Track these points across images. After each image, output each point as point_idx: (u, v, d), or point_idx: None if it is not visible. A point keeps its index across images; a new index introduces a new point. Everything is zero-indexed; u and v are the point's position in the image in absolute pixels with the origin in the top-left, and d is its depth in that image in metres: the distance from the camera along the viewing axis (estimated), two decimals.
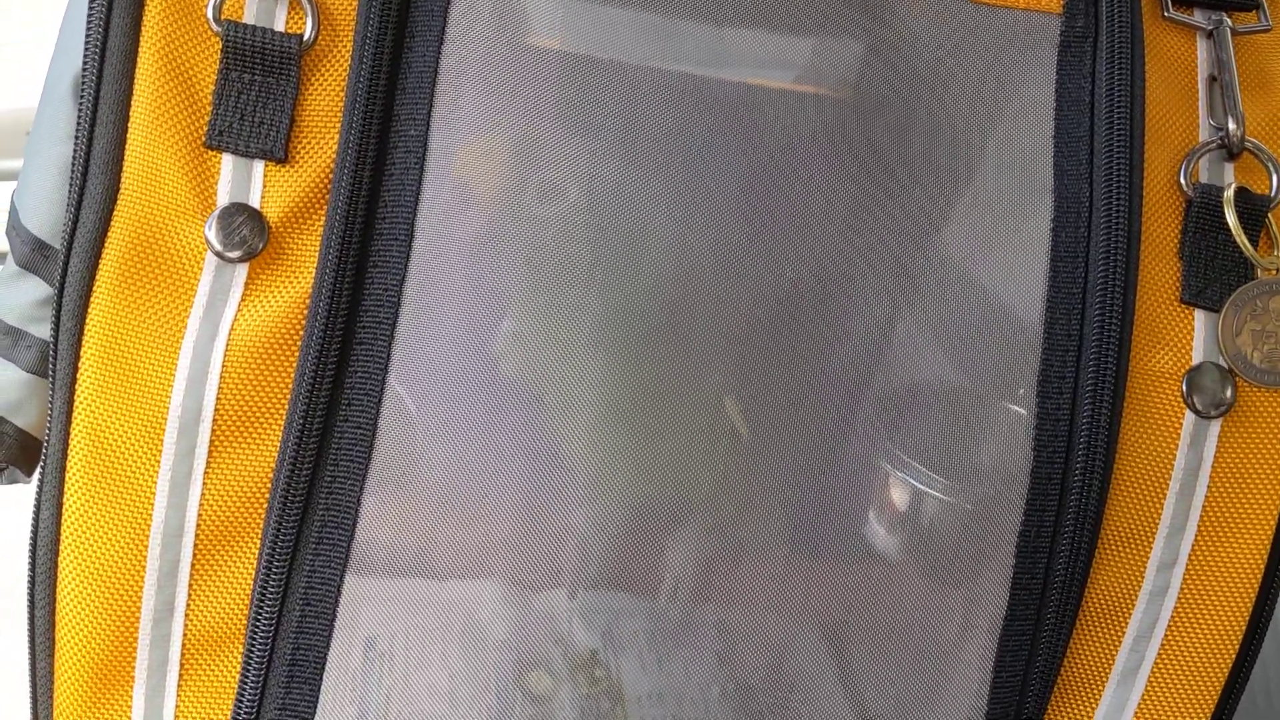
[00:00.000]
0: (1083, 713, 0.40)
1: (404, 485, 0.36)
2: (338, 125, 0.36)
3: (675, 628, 0.38)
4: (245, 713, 0.35)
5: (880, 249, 0.37)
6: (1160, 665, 0.40)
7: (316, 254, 0.35)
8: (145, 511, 0.35)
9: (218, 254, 0.35)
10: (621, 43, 0.37)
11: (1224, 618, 0.39)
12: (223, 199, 0.35)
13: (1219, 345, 0.39)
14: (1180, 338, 0.39)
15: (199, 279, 0.35)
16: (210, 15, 0.35)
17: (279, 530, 0.35)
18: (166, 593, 0.35)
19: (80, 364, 0.35)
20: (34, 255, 0.38)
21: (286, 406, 0.35)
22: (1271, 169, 0.39)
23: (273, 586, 0.35)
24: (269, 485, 0.35)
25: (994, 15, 0.39)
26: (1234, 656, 0.40)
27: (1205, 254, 0.39)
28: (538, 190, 0.36)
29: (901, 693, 0.38)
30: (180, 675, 0.36)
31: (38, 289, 0.38)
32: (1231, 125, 0.39)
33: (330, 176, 0.36)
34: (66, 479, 0.35)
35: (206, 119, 0.35)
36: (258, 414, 0.35)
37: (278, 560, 0.35)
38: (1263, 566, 0.39)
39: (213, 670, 0.36)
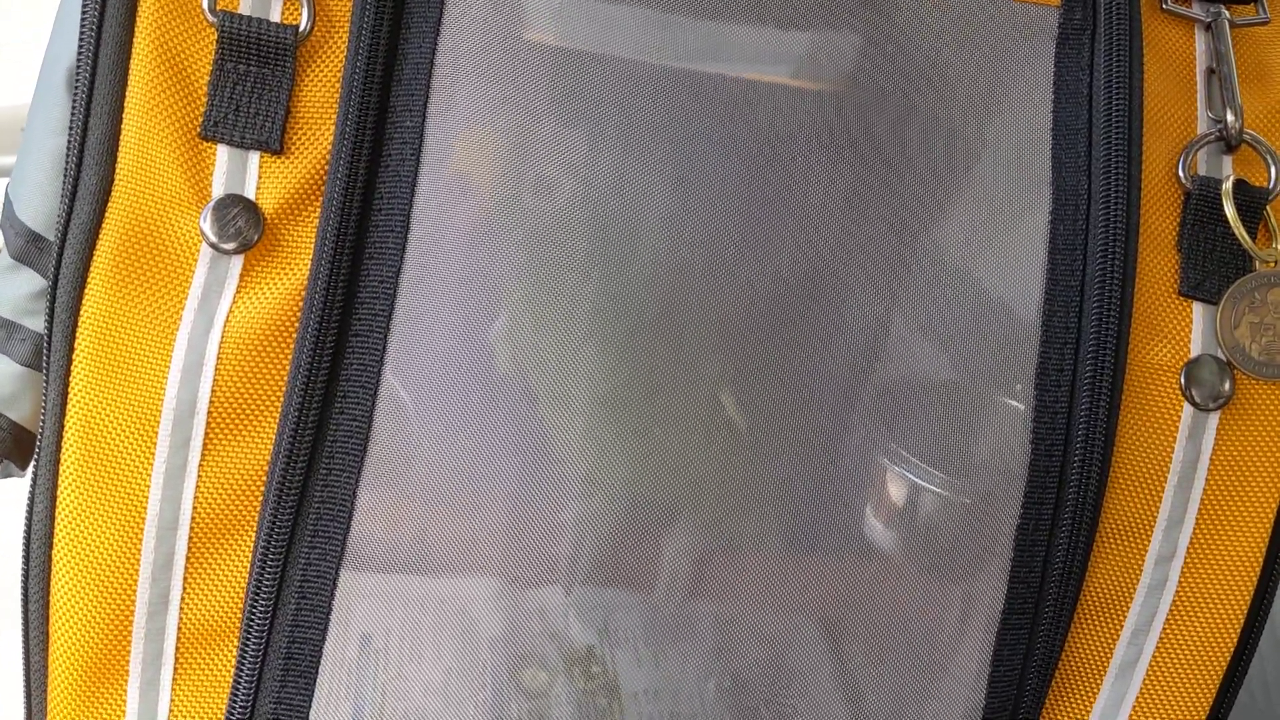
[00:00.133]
0: (1081, 706, 0.40)
1: (399, 479, 0.36)
2: (333, 117, 0.36)
3: (671, 623, 0.38)
4: (240, 707, 0.35)
5: (877, 242, 0.37)
6: (1158, 659, 0.40)
7: (312, 246, 0.35)
8: (140, 504, 0.35)
9: (213, 246, 0.35)
10: (617, 37, 0.37)
11: (1222, 611, 0.39)
12: (218, 190, 0.35)
13: (1217, 338, 0.39)
14: (1178, 330, 0.39)
15: (194, 271, 0.35)
16: (205, 6, 0.35)
17: (274, 523, 0.35)
18: (161, 586, 0.35)
19: (74, 357, 0.35)
20: (28, 247, 0.38)
21: (282, 399, 0.35)
22: (1270, 161, 0.39)
23: (268, 580, 0.35)
24: (264, 478, 0.35)
25: (992, 7, 0.39)
26: (1232, 650, 0.40)
27: (1203, 246, 0.39)
28: (533, 183, 0.36)
29: (898, 687, 0.38)
30: (175, 669, 0.36)
31: (32, 281, 0.38)
32: (1230, 117, 0.39)
33: (326, 168, 0.36)
34: (60, 472, 0.35)
35: (201, 110, 0.35)
36: (253, 406, 0.35)
37: (273, 554, 0.35)
38: (1261, 559, 0.39)
39: (208, 664, 0.36)
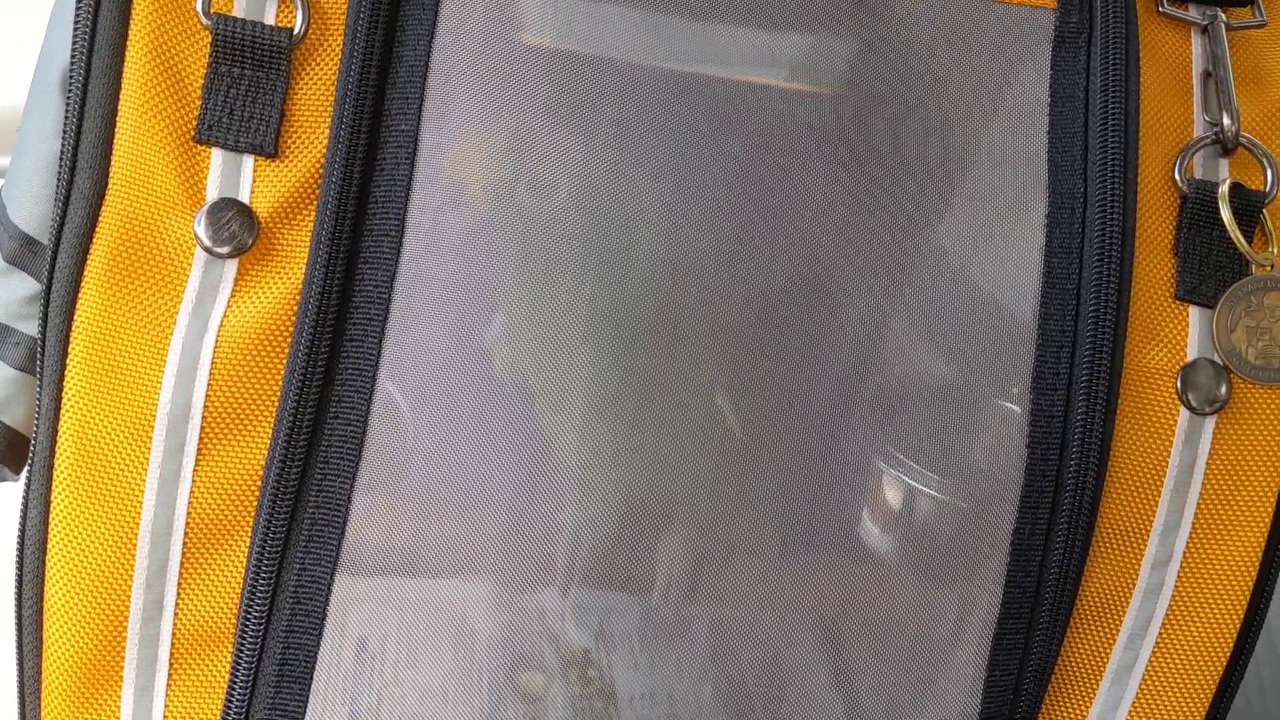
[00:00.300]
0: (1077, 711, 0.40)
1: (394, 483, 0.36)
2: (328, 120, 0.36)
3: (668, 626, 0.38)
4: (235, 713, 0.35)
5: (873, 245, 0.37)
6: (1155, 663, 0.39)
7: (307, 250, 0.35)
8: (134, 509, 0.35)
9: (207, 249, 0.35)
10: (613, 39, 0.37)
11: (1219, 615, 0.39)
12: (212, 194, 0.35)
13: (1214, 341, 0.39)
14: (1175, 334, 0.39)
15: (188, 275, 0.35)
16: (200, 9, 0.35)
17: (269, 528, 0.35)
18: (155, 591, 0.35)
19: (68, 361, 0.34)
20: (22, 251, 0.38)
21: (276, 403, 0.35)
22: (1266, 165, 0.39)
23: (262, 585, 0.35)
24: (259, 483, 0.35)
25: (988, 10, 0.39)
26: (1229, 654, 0.40)
27: (1200, 250, 0.39)
28: (529, 186, 0.36)
29: (894, 691, 0.38)
30: (169, 675, 0.36)
31: (25, 285, 0.38)
32: (1226, 121, 0.39)
33: (321, 171, 0.35)
34: (54, 477, 0.35)
35: (196, 113, 0.35)
36: (247, 411, 0.35)
37: (267, 558, 0.35)
38: (1257, 563, 0.39)
39: (202, 670, 0.36)
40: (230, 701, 0.35)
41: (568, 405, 0.36)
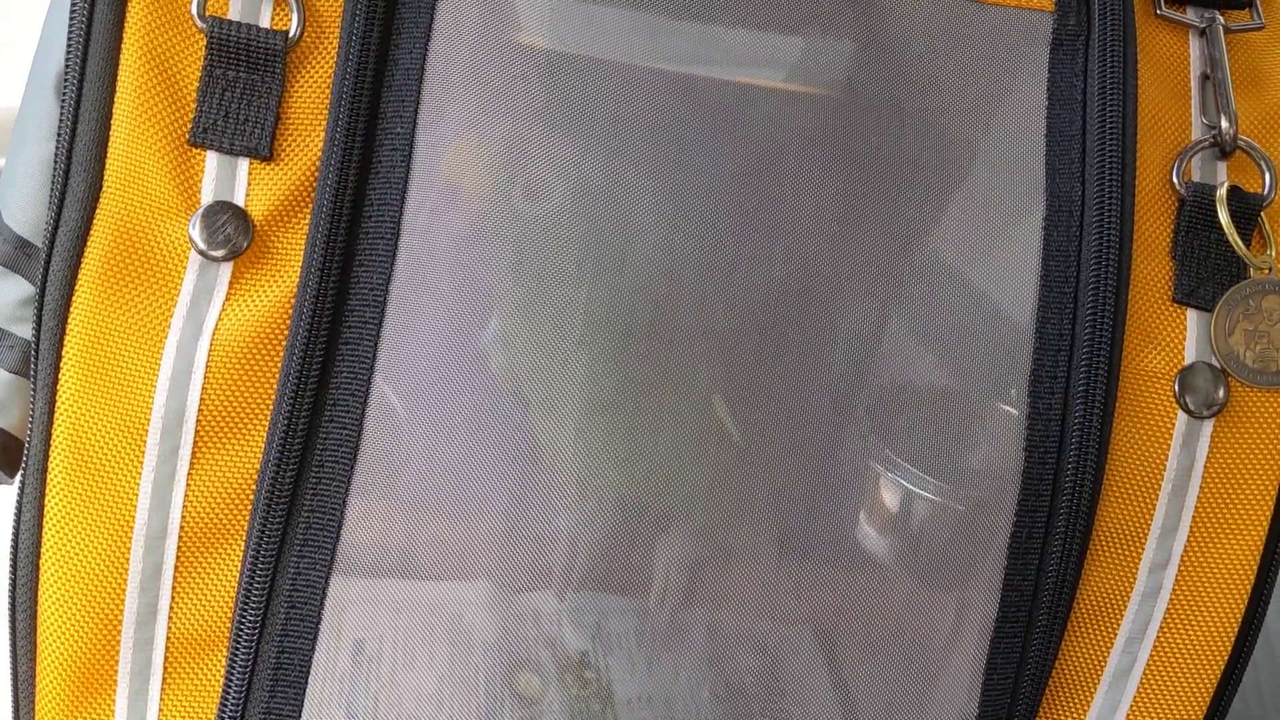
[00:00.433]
0: (1075, 714, 0.40)
1: (389, 487, 0.35)
2: (323, 123, 0.36)
3: (665, 630, 0.38)
4: (229, 717, 0.35)
5: (870, 249, 0.37)
6: (1152, 667, 0.39)
7: (302, 253, 0.35)
8: (128, 513, 0.35)
9: (201, 253, 0.35)
10: (610, 41, 0.37)
11: (1217, 619, 0.39)
12: (207, 197, 0.35)
13: (1211, 345, 0.38)
14: (1172, 337, 0.39)
15: (182, 278, 0.35)
16: (195, 11, 0.35)
17: (263, 532, 0.35)
18: (150, 595, 0.35)
19: (62, 364, 0.34)
20: (16, 254, 0.38)
21: (271, 407, 0.35)
22: (1264, 167, 0.39)
23: (257, 589, 0.35)
24: (253, 487, 0.35)
25: (985, 13, 0.39)
26: (1227, 658, 0.40)
27: (1197, 253, 0.39)
28: (525, 188, 0.36)
29: (892, 695, 0.38)
30: (164, 679, 0.36)
31: (19, 288, 0.38)
32: (1224, 123, 0.39)
33: (316, 174, 0.35)
34: (48, 480, 0.35)
35: (190, 116, 0.35)
36: (242, 414, 0.35)
37: (262, 562, 0.35)
38: (1255, 567, 0.39)
39: (196, 674, 0.36)
40: (225, 706, 0.35)
41: (563, 409, 0.36)
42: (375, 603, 0.36)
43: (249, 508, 0.35)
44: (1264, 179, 0.39)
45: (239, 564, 0.35)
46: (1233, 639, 0.40)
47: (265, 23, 0.35)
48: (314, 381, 0.35)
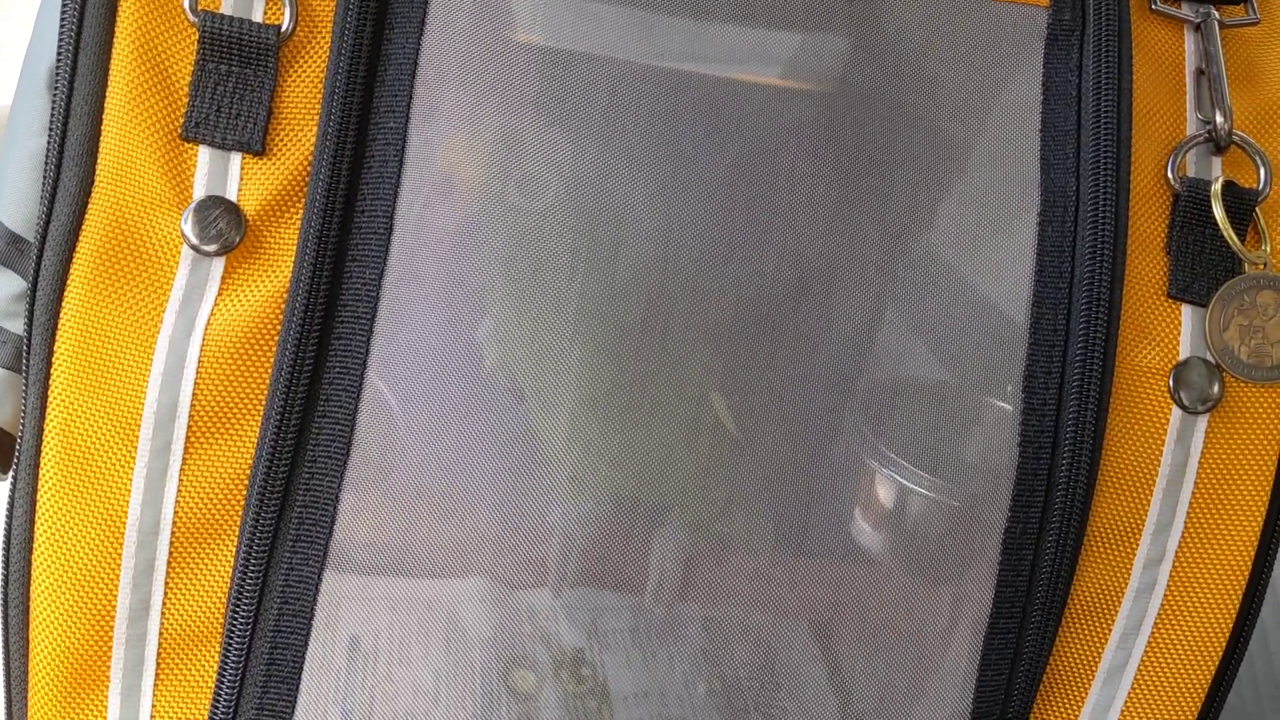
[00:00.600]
0: (1069, 709, 0.40)
1: (383, 481, 0.35)
2: (316, 118, 0.35)
3: (660, 625, 0.38)
4: (222, 713, 0.35)
5: (865, 244, 0.37)
6: (1147, 662, 0.39)
7: (294, 248, 0.35)
8: (120, 508, 0.35)
9: (194, 247, 0.35)
10: (604, 37, 0.37)
11: (1211, 614, 0.39)
12: (199, 192, 0.35)
13: (1206, 340, 0.38)
14: (1167, 333, 0.39)
15: (175, 273, 0.35)
16: (187, 5, 0.35)
17: (256, 527, 0.35)
18: (142, 591, 0.35)
19: (54, 359, 0.34)
20: (8, 249, 0.37)
21: (264, 402, 0.35)
22: (1259, 163, 0.39)
23: (250, 584, 0.35)
24: (246, 482, 0.35)
25: (981, 8, 0.38)
26: (1222, 652, 0.40)
27: (1192, 248, 0.39)
28: (518, 183, 0.36)
29: (887, 689, 0.38)
30: (156, 675, 0.36)
31: (12, 283, 0.38)
32: (1219, 119, 0.39)
33: (308, 169, 0.35)
34: (40, 476, 0.35)
35: (183, 111, 0.35)
36: (235, 409, 0.35)
37: (255, 557, 0.35)
38: (1250, 563, 0.39)
39: (189, 670, 0.36)
40: (218, 701, 0.35)
41: (558, 403, 0.36)
42: (370, 598, 0.36)
43: (242, 503, 0.35)
44: (1259, 174, 0.39)
45: (232, 559, 0.35)
46: (1227, 634, 0.40)
47: (258, 17, 0.35)
48: (307, 376, 0.35)
